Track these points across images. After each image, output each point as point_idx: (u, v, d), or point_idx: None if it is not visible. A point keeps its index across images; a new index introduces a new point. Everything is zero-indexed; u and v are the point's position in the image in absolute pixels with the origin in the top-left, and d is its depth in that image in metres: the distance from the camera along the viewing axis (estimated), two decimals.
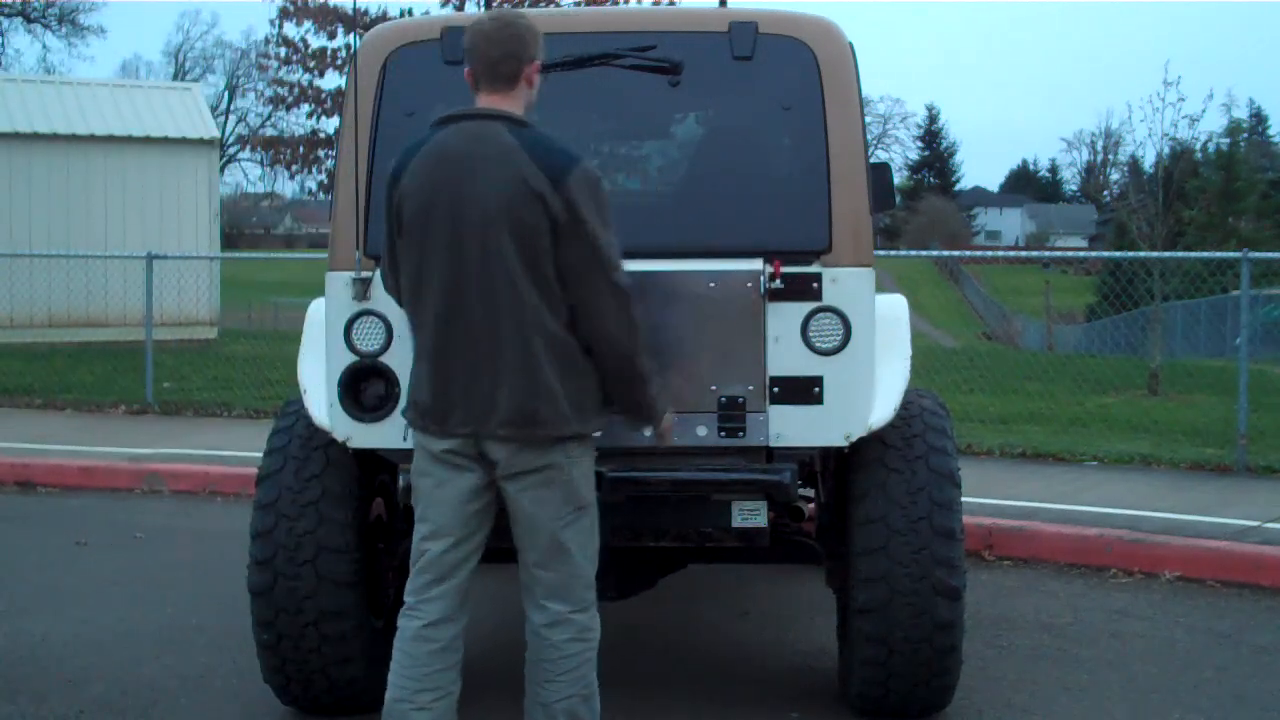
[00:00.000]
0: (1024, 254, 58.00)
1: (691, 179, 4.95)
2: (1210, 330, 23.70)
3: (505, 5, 20.88)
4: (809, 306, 4.55)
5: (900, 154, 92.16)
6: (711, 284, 4.51)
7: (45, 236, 17.78)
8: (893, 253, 18.90)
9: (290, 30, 25.62)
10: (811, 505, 5.40)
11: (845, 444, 4.64)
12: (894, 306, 5.15)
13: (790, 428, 4.54)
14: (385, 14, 23.36)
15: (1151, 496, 8.55)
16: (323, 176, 26.26)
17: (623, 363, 3.82)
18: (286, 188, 71.26)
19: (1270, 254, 14.21)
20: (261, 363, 14.42)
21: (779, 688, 5.37)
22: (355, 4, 5.48)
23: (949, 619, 4.66)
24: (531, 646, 3.90)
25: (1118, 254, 17.49)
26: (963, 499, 4.79)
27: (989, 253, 55.66)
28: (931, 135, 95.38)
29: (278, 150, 28.89)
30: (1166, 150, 17.76)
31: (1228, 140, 41.19)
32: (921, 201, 76.94)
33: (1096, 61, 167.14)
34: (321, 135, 26.34)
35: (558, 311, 3.75)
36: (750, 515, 4.64)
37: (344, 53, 24.08)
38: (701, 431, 4.52)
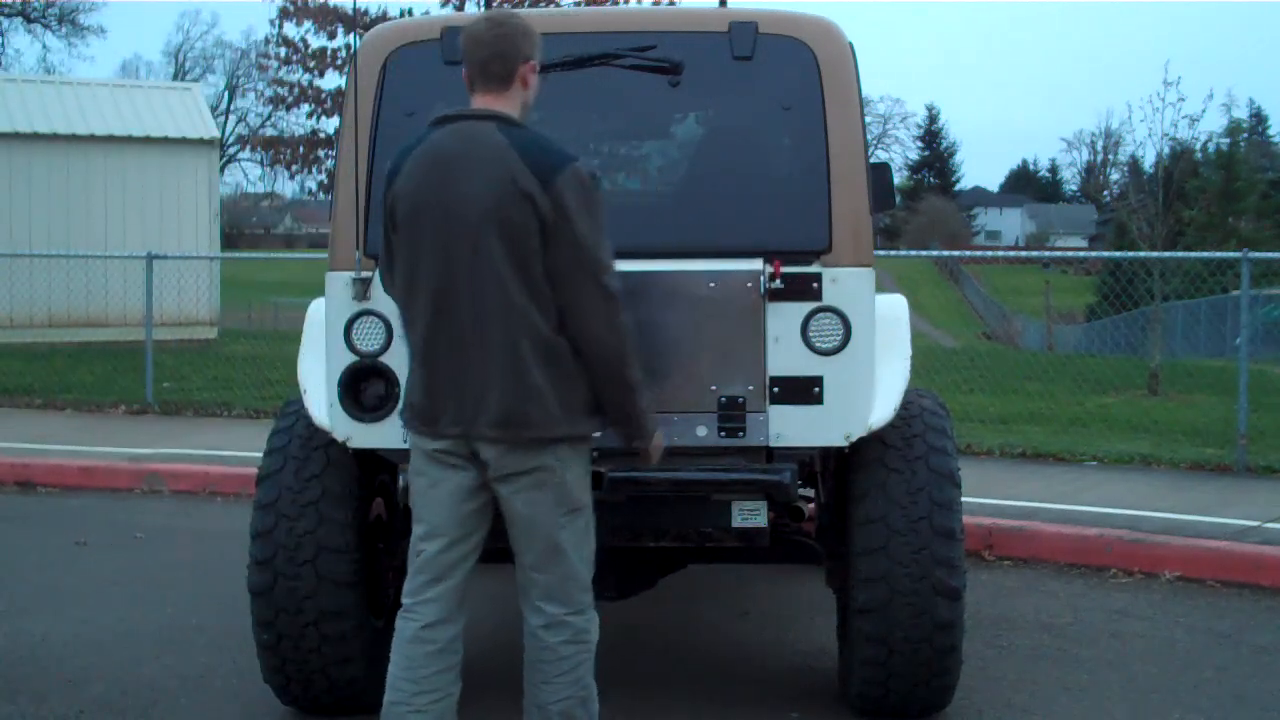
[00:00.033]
0: (1024, 254, 57.99)
1: (691, 179, 4.95)
2: (1210, 330, 23.71)
3: (505, 5, 20.89)
4: (809, 306, 4.55)
5: (900, 154, 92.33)
6: (711, 284, 4.51)
7: (45, 236, 17.79)
8: (893, 253, 18.90)
9: (290, 30, 25.65)
10: (811, 505, 5.40)
11: (845, 444, 4.64)
12: (894, 306, 5.16)
13: (790, 428, 4.54)
14: (385, 14, 23.36)
15: (1151, 496, 8.55)
16: (323, 176, 26.27)
17: (610, 367, 3.79)
18: (286, 188, 71.38)
19: (1270, 254, 14.21)
20: (261, 363, 14.43)
21: (779, 688, 5.37)
22: (355, 4, 5.48)
23: (949, 619, 4.66)
24: (529, 648, 3.90)
25: (1118, 254, 17.49)
26: (963, 499, 4.79)
27: (989, 253, 55.65)
28: (931, 135, 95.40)
29: (278, 150, 28.89)
30: (1166, 150, 17.79)
31: (1228, 140, 41.20)
32: (921, 201, 76.94)
33: (1096, 61, 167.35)
34: (321, 135, 26.36)
35: (547, 313, 3.74)
36: (750, 515, 4.64)
37: (344, 53, 24.09)
38: (701, 431, 4.52)
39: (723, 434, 4.52)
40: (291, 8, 25.36)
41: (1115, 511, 8.08)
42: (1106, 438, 10.68)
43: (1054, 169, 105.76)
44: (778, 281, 4.51)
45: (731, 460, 4.56)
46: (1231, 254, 11.90)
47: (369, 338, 4.60)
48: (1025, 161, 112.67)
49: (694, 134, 5.06)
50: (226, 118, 67.92)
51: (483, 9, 19.43)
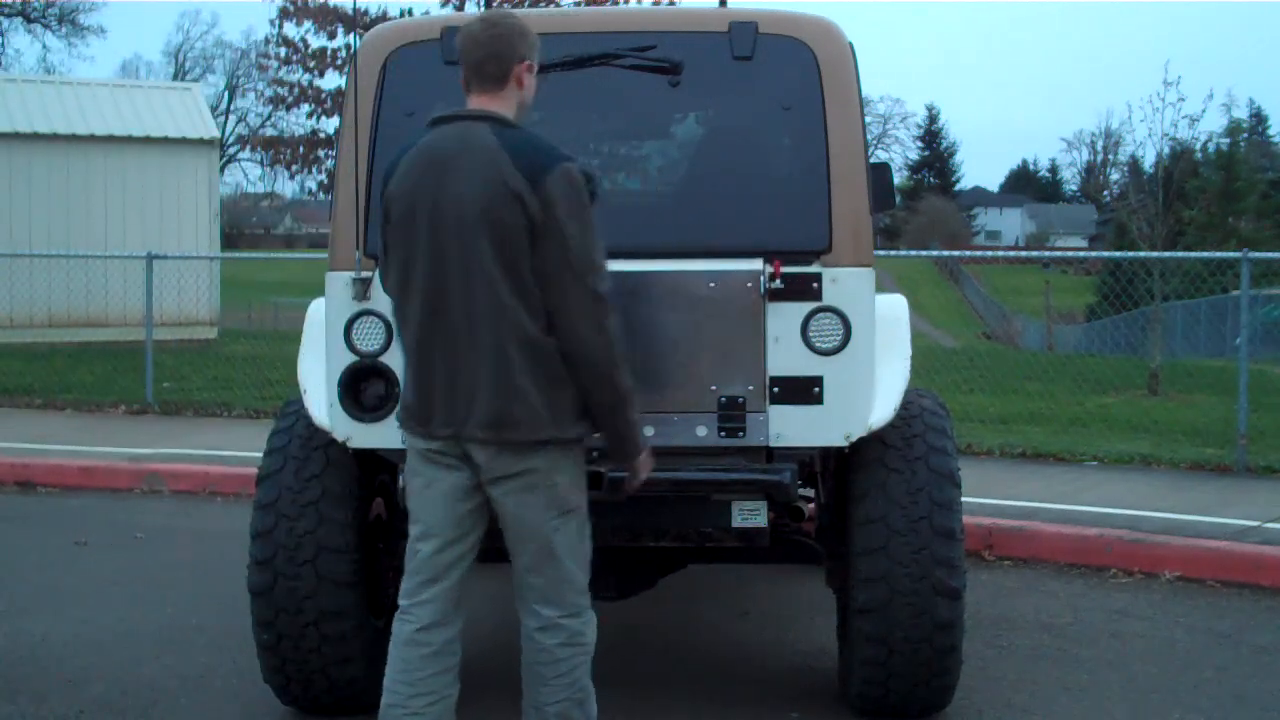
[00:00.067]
0: (1024, 254, 58.01)
1: (691, 179, 4.95)
2: (1210, 330, 23.70)
3: (505, 5, 20.89)
4: (809, 306, 4.55)
5: (900, 154, 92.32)
6: (711, 284, 4.51)
7: (45, 236, 17.79)
8: (893, 253, 18.90)
9: (290, 30, 25.69)
10: (811, 505, 5.40)
11: (845, 444, 4.64)
12: (894, 306, 5.16)
13: (790, 428, 4.54)
14: (385, 14, 23.38)
15: (1151, 496, 8.55)
16: (323, 176, 26.30)
17: (597, 370, 3.73)
18: (286, 188, 71.41)
19: (1270, 254, 14.22)
20: (261, 363, 14.43)
21: (779, 688, 5.37)
22: (355, 4, 5.48)
23: (949, 619, 4.66)
24: (525, 649, 3.89)
25: (1118, 254, 17.49)
26: (963, 499, 4.79)
27: (989, 253, 55.68)
28: (931, 135, 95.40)
29: (278, 150, 28.93)
30: (1166, 150, 17.79)
31: (1228, 140, 41.21)
32: (921, 201, 76.94)
33: (1096, 61, 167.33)
34: (321, 135, 26.38)
35: (536, 314, 3.71)
36: (750, 515, 4.64)
37: (344, 53, 24.11)
38: (701, 431, 4.52)
39: (723, 434, 4.52)
40: (291, 8, 25.38)
41: (1115, 511, 8.08)
42: (1106, 438, 10.68)
43: (1054, 169, 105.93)
44: (778, 281, 4.51)
45: (731, 460, 4.56)
46: (1231, 254, 11.90)
47: (369, 338, 4.60)
48: (1025, 161, 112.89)
49: (694, 134, 5.06)
50: (226, 118, 67.97)
51: (482, 9, 19.44)
